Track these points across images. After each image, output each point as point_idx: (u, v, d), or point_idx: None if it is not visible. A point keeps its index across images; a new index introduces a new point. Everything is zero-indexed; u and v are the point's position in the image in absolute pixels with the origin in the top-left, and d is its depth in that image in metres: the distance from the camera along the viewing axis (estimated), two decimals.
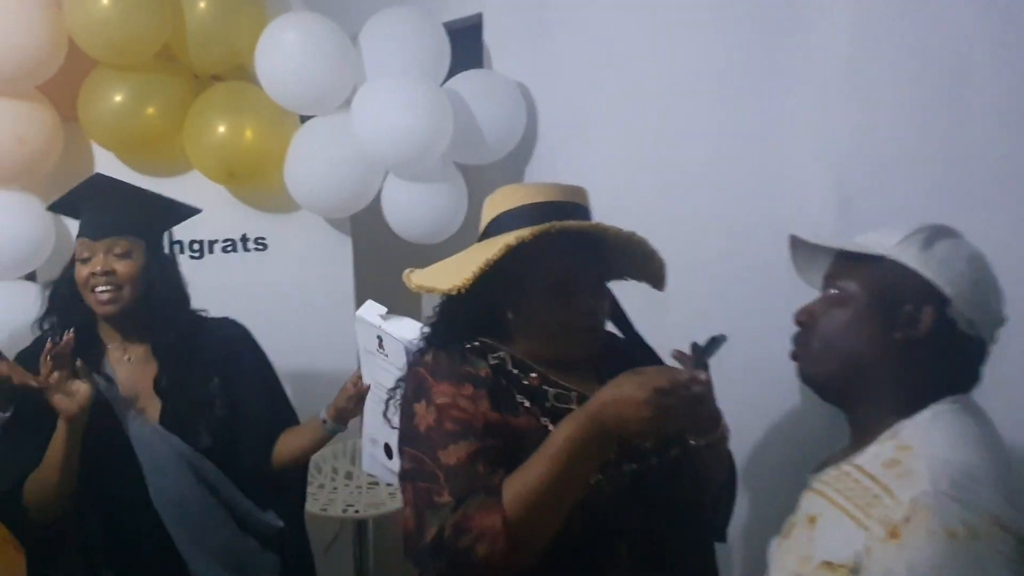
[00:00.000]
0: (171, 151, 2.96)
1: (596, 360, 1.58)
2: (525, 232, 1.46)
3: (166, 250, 2.19)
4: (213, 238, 3.04)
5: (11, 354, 2.02)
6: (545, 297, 1.50)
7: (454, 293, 1.49)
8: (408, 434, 1.47)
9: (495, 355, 1.53)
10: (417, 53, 2.90)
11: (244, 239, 3.07)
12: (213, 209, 2.77)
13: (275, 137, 2.94)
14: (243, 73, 2.97)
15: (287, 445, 2.15)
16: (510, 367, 1.52)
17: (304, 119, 3.00)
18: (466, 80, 3.01)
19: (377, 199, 3.01)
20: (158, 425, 2.00)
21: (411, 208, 2.93)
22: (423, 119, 2.74)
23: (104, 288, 1.98)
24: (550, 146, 3.03)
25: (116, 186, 2.07)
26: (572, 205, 1.55)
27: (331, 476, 2.99)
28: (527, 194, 1.57)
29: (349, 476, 3.01)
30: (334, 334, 2.89)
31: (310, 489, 2.60)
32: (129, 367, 2.07)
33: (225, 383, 2.10)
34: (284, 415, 2.24)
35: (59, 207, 2.11)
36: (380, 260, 3.03)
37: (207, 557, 1.99)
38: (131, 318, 2.05)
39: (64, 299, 2.03)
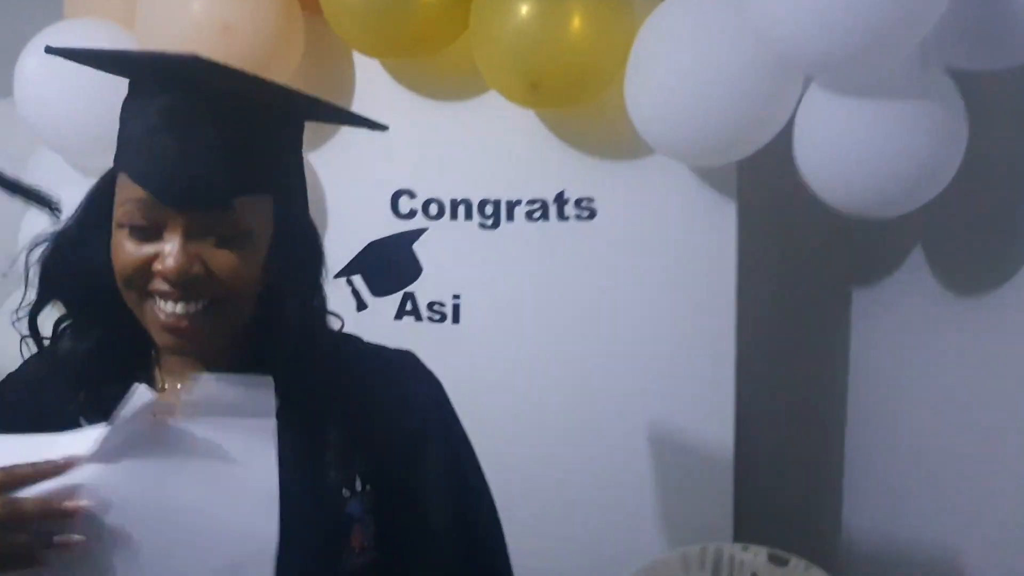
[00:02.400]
0: (455, 58, 1.91)
1: None
2: None
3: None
4: (514, 198, 1.96)
5: None
6: None
7: None
8: None
9: None
10: None
11: (561, 200, 1.95)
12: (514, 153, 1.95)
13: (609, 28, 1.74)
14: None
15: None
16: None
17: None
18: None
19: (785, 133, 1.67)
20: None
21: (850, 150, 1.54)
22: None
23: (181, 305, 0.89)
24: None
25: (232, 83, 0.89)
26: None
27: None
28: None
29: None
30: (702, 349, 1.90)
31: None
32: None
33: (383, 494, 0.96)
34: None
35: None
36: (787, 238, 2.09)
37: None
38: (223, 352, 0.96)
39: (77, 277, 0.94)
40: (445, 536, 0.99)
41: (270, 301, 0.93)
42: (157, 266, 0.86)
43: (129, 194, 0.87)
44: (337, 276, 2.01)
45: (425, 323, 1.99)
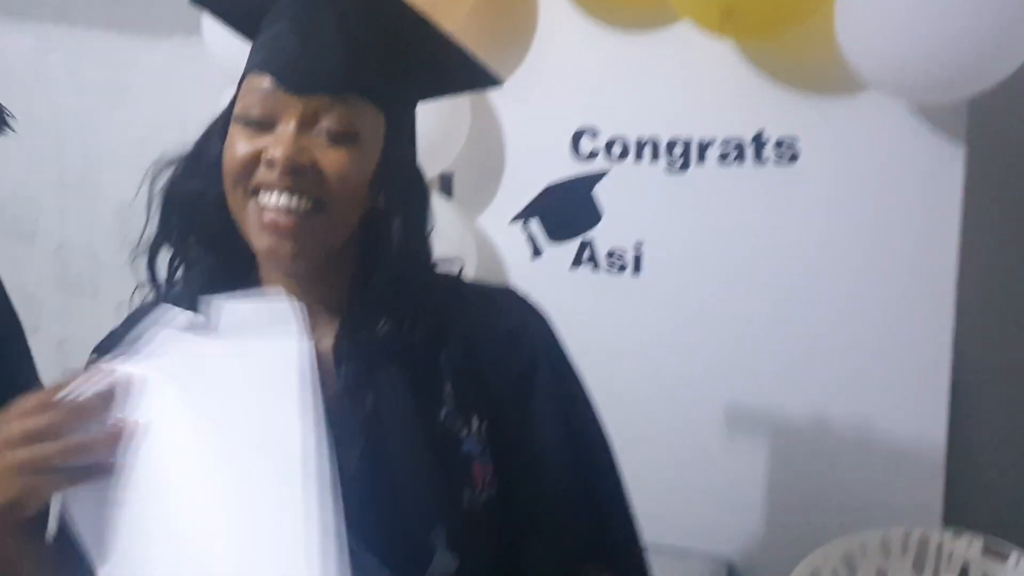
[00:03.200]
0: None
1: None
2: None
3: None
4: (706, 138, 1.81)
5: None
6: None
7: None
8: None
9: None
10: None
11: (759, 141, 1.78)
12: (707, 88, 1.81)
13: None
14: None
15: None
16: None
17: None
18: None
19: None
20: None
21: None
22: None
23: (287, 202, 0.86)
24: None
25: None
26: None
27: None
28: None
29: None
30: (916, 313, 1.71)
31: None
32: None
33: (497, 431, 0.94)
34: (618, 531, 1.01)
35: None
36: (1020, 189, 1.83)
37: None
38: (325, 271, 0.94)
39: (192, 206, 0.92)
40: (560, 472, 0.96)
41: (376, 230, 0.91)
42: (267, 154, 0.85)
43: (249, 88, 0.88)
44: (513, 221, 1.93)
45: (603, 273, 1.89)
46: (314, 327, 0.90)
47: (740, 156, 1.78)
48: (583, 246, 1.89)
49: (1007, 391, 1.98)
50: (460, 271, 1.00)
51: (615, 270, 1.87)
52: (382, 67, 0.89)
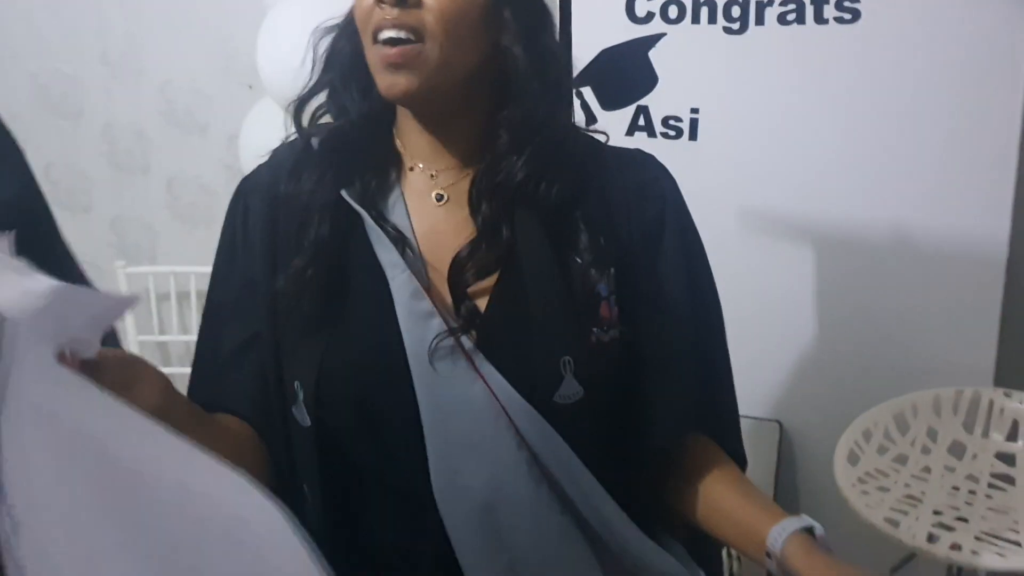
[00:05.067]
0: None
1: None
2: None
3: None
4: None
5: None
6: None
7: None
8: None
9: None
10: None
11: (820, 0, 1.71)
12: None
13: None
14: None
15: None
16: None
17: None
18: None
19: None
20: (471, 345, 0.95)
21: None
22: None
23: (392, 35, 0.92)
24: None
25: None
26: None
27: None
28: None
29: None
30: (979, 175, 1.70)
31: None
32: (441, 216, 1.01)
33: (625, 277, 1.01)
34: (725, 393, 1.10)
35: None
36: None
37: None
38: (454, 113, 1.00)
39: (345, 61, 1.01)
40: (679, 325, 1.03)
41: (503, 67, 0.95)
42: None
43: None
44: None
45: (659, 139, 1.87)
46: (452, 168, 1.00)
47: (800, 16, 1.73)
48: (638, 112, 1.87)
49: None
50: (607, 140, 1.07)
51: (672, 136, 1.86)
52: None
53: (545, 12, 0.99)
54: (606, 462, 0.98)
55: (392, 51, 0.90)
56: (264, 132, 2.02)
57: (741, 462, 1.07)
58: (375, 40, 0.91)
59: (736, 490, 1.00)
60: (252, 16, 2.29)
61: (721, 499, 1.00)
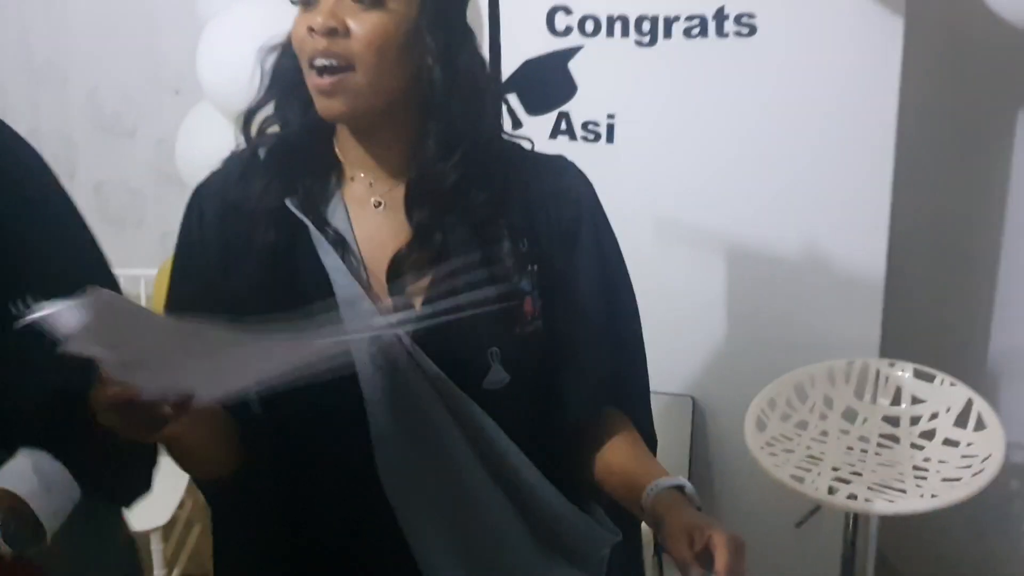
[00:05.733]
0: None
1: None
2: None
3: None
4: (672, 14, 1.93)
5: None
6: None
7: None
8: None
9: None
10: None
11: (720, 16, 1.91)
12: None
13: None
14: None
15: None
16: None
17: None
18: None
19: None
20: (408, 340, 1.04)
21: None
22: None
23: (324, 62, 1.00)
24: None
25: None
26: None
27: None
28: None
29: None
30: (860, 168, 1.90)
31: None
32: (379, 221, 1.08)
33: (545, 274, 1.11)
34: (636, 373, 1.21)
35: None
36: (955, 56, 2.04)
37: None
38: (386, 128, 1.08)
39: (288, 77, 1.08)
40: (595, 315, 1.12)
41: (427, 87, 1.02)
42: (311, 24, 0.98)
43: None
44: None
45: (580, 142, 2.01)
46: (387, 177, 1.07)
47: (703, 31, 1.90)
48: (560, 117, 2.01)
49: (939, 241, 2.22)
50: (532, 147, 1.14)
51: (591, 139, 2.01)
52: None
53: (465, 32, 1.06)
54: (532, 438, 1.09)
55: (324, 81, 0.98)
56: (200, 138, 2.09)
57: (649, 434, 1.18)
58: (310, 66, 0.99)
59: (627, 454, 1.11)
60: (181, 22, 2.35)
61: (614, 462, 1.11)
